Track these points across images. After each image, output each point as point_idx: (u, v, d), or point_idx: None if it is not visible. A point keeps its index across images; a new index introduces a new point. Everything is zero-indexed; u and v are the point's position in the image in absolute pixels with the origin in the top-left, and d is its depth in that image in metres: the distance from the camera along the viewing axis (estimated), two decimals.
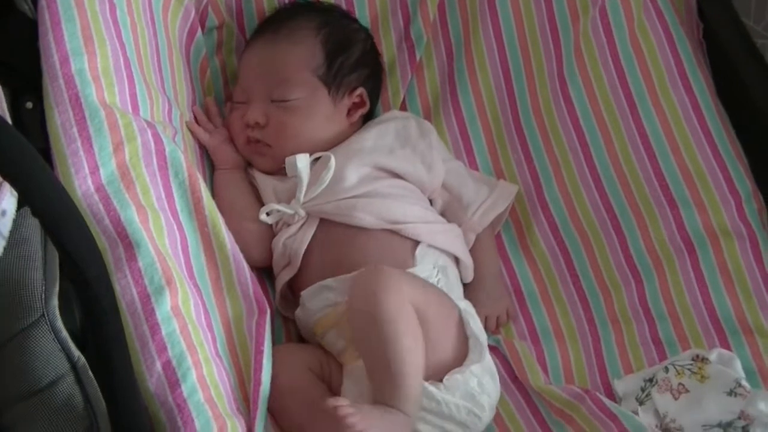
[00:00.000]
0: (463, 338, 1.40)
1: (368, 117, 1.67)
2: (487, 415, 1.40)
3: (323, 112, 1.58)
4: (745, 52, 1.53)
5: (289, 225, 1.51)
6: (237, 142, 1.59)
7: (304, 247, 1.48)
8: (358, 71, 1.62)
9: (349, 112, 1.61)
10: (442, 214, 1.60)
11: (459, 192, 1.60)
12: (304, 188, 1.49)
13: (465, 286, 1.57)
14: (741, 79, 1.56)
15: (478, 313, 1.49)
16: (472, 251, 1.58)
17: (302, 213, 1.50)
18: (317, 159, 1.53)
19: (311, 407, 1.36)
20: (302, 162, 1.49)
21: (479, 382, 1.38)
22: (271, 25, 1.63)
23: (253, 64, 1.60)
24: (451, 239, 1.54)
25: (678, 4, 1.63)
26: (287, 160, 1.52)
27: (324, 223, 1.50)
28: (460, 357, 1.39)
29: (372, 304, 1.31)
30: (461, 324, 1.41)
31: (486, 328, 1.54)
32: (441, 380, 1.36)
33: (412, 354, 1.31)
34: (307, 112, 1.56)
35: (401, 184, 1.55)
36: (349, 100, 1.61)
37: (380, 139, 1.57)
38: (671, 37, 1.60)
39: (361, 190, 1.50)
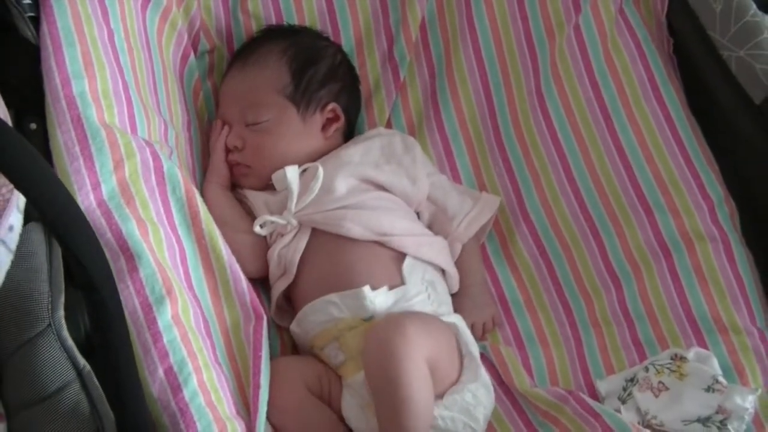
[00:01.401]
0: (459, 355, 1.45)
1: (350, 131, 1.71)
2: (481, 427, 1.44)
3: (294, 130, 1.62)
4: (712, 64, 1.58)
5: (282, 235, 1.55)
6: None
7: (299, 256, 1.52)
8: (328, 86, 1.66)
9: (324, 128, 1.65)
10: (429, 225, 1.64)
11: (444, 204, 1.64)
12: (295, 198, 1.54)
13: (452, 295, 1.61)
14: (709, 89, 1.61)
15: (465, 320, 1.54)
16: (458, 261, 1.62)
17: (294, 222, 1.54)
18: (305, 170, 1.57)
19: (310, 427, 1.41)
20: (292, 173, 1.54)
21: (474, 395, 1.42)
22: (242, 53, 1.69)
23: (228, 93, 1.66)
24: (436, 251, 1.58)
25: (649, 20, 1.68)
26: (275, 175, 1.57)
27: (316, 232, 1.54)
28: (457, 372, 1.44)
29: (389, 368, 1.33)
30: (457, 343, 1.45)
31: (472, 335, 1.58)
32: (439, 397, 1.40)
33: (424, 409, 1.35)
34: (278, 131, 1.61)
35: (387, 197, 1.59)
36: (321, 116, 1.65)
37: (366, 155, 1.61)
38: (643, 52, 1.66)
39: (350, 200, 1.55)
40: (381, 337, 1.37)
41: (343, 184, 1.56)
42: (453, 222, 1.63)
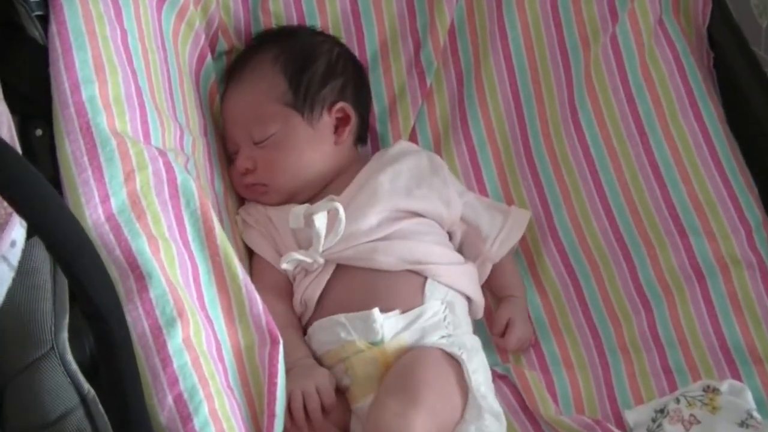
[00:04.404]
0: (462, 389, 1.39)
1: (364, 130, 1.65)
2: None
3: (303, 138, 1.56)
4: (755, 81, 1.53)
5: (307, 272, 1.50)
6: (239, 191, 1.60)
7: (319, 291, 1.48)
8: (330, 84, 1.59)
9: (337, 131, 1.59)
10: (461, 244, 1.60)
11: (477, 224, 1.59)
12: (322, 241, 1.47)
13: (502, 303, 1.59)
14: (750, 107, 1.55)
15: (514, 334, 1.54)
16: (497, 277, 1.59)
17: (321, 261, 1.48)
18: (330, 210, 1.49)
19: None
20: (321, 221, 1.46)
21: (478, 428, 1.37)
22: (235, 68, 1.62)
23: (230, 113, 1.60)
24: (468, 280, 1.53)
25: (689, 32, 1.63)
26: (291, 212, 1.50)
27: (341, 266, 1.49)
28: (461, 410, 1.38)
29: None
30: (461, 376, 1.39)
31: (515, 349, 1.57)
32: None
33: None
34: (287, 143, 1.55)
35: (421, 221, 1.53)
36: (329, 117, 1.58)
37: (396, 180, 1.55)
38: (682, 65, 1.60)
39: (381, 233, 1.49)
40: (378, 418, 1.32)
41: (374, 218, 1.50)
42: (486, 243, 1.58)
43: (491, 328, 1.59)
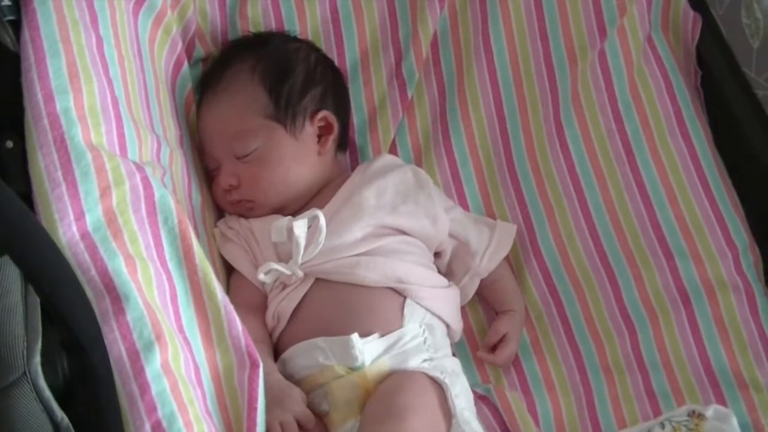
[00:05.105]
0: (446, 413, 1.36)
1: (344, 139, 1.61)
2: None
3: (288, 152, 1.52)
4: (744, 102, 1.51)
5: (285, 285, 1.45)
6: (224, 207, 1.55)
7: (294, 305, 1.43)
8: (310, 93, 1.55)
9: (320, 140, 1.55)
10: (450, 261, 1.57)
11: (466, 239, 1.57)
12: (301, 251, 1.43)
13: (500, 316, 1.57)
14: (739, 128, 1.53)
15: (507, 349, 1.52)
16: (496, 292, 1.57)
17: (300, 274, 1.44)
18: (314, 218, 1.46)
19: None
20: (300, 229, 1.42)
21: None
22: (210, 81, 1.57)
23: (208, 129, 1.55)
24: (449, 306, 1.50)
25: (677, 49, 1.61)
26: (274, 225, 1.46)
27: (319, 281, 1.44)
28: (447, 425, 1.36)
29: None
30: (444, 400, 1.36)
31: (502, 365, 1.55)
32: None
33: None
34: (272, 157, 1.51)
35: (406, 240, 1.50)
36: (312, 127, 1.54)
37: (381, 196, 1.51)
38: (670, 84, 1.58)
39: (364, 248, 1.45)
40: None
41: (358, 232, 1.46)
42: (475, 258, 1.55)
43: (479, 342, 1.57)
